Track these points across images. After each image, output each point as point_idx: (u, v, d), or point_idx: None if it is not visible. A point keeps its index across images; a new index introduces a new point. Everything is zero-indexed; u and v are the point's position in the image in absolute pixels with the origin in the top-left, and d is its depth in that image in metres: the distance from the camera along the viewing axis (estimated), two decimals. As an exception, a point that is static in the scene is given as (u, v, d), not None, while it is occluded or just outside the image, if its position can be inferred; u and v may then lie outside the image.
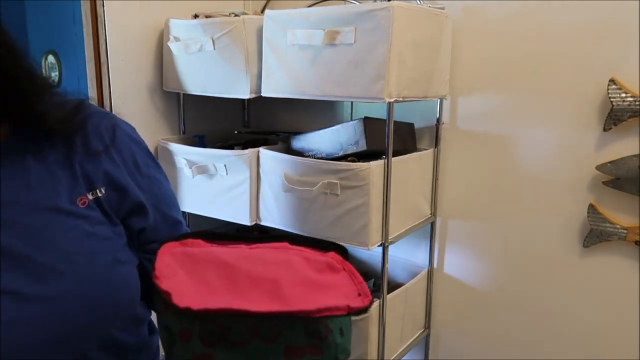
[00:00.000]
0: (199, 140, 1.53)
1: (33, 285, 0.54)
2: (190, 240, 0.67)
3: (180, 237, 0.67)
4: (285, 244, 0.70)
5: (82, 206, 0.61)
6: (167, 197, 0.74)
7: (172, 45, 1.42)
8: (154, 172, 0.72)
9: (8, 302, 0.52)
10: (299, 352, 0.60)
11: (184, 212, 1.59)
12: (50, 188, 0.60)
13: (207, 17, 1.42)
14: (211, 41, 1.34)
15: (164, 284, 0.58)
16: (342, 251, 0.72)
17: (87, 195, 0.62)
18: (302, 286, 0.62)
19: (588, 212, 1.26)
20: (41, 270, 0.55)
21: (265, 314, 0.58)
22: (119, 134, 0.68)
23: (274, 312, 0.58)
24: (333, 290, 0.64)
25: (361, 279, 0.68)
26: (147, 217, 0.69)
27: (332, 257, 0.70)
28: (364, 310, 0.62)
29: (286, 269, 0.64)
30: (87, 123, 0.64)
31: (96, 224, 0.62)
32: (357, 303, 0.62)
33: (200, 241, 0.68)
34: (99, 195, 0.63)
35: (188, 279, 0.60)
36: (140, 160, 0.70)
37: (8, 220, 0.56)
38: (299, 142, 1.41)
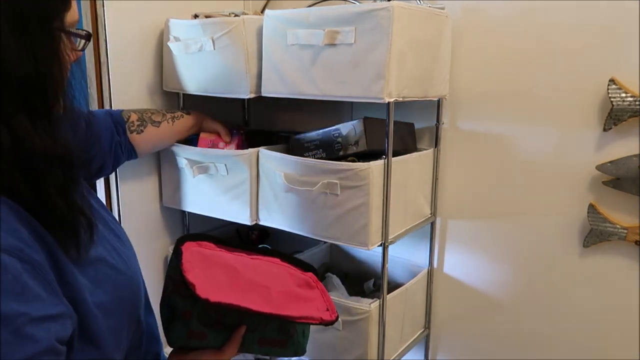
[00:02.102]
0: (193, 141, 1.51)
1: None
2: (204, 243, 0.81)
3: (196, 237, 0.81)
4: (277, 260, 0.87)
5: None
6: None
7: (172, 45, 1.42)
8: None
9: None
10: (269, 343, 0.79)
11: (185, 212, 1.59)
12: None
13: (207, 17, 1.42)
14: (211, 41, 1.34)
15: (190, 276, 0.70)
16: (316, 273, 0.91)
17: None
18: (286, 295, 0.78)
19: (588, 212, 1.26)
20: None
21: (262, 314, 0.72)
22: None
23: (268, 313, 0.73)
24: (309, 303, 0.81)
25: (329, 297, 0.86)
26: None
27: (310, 276, 0.88)
28: (332, 323, 0.81)
29: (275, 280, 0.80)
30: None
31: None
32: (327, 316, 0.80)
33: (211, 244, 0.82)
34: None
35: (202, 275, 0.72)
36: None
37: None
38: (299, 142, 1.41)
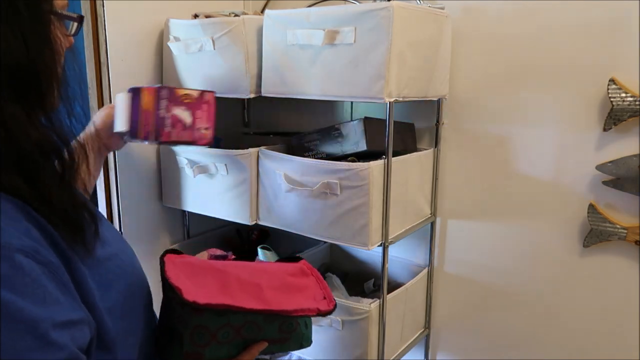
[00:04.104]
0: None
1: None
2: (187, 255, 0.80)
3: (177, 251, 0.80)
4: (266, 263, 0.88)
5: None
6: None
7: (172, 45, 1.42)
8: None
9: None
10: (272, 342, 0.76)
11: (185, 211, 1.59)
12: None
13: (207, 17, 1.42)
14: (211, 41, 1.34)
15: (175, 281, 0.69)
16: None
17: None
18: (279, 289, 0.76)
19: (588, 212, 1.26)
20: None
21: (254, 311, 0.71)
22: None
23: (259, 309, 0.71)
24: (304, 292, 0.79)
25: (326, 284, 0.84)
26: None
27: (303, 263, 0.87)
28: (330, 312, 0.79)
29: (266, 275, 0.78)
30: None
31: None
32: (324, 306, 0.78)
33: (194, 257, 0.82)
34: None
35: (189, 281, 0.70)
36: None
37: None
38: (299, 142, 1.41)
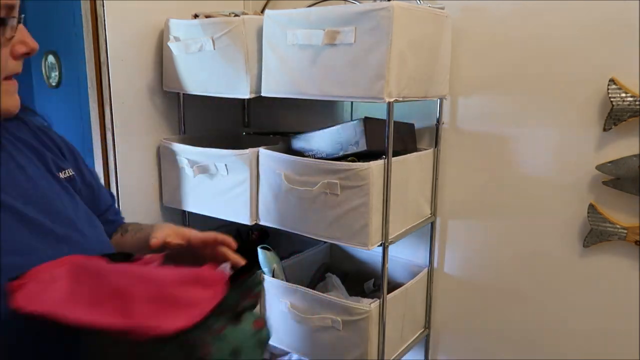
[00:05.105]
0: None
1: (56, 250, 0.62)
2: (96, 257, 0.63)
3: (108, 255, 0.64)
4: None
5: (64, 177, 0.72)
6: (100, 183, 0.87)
7: (172, 45, 1.42)
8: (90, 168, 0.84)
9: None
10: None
11: (185, 211, 1.60)
12: (43, 161, 0.70)
13: (207, 17, 1.42)
14: (211, 41, 1.34)
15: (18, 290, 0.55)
16: (249, 269, 0.65)
17: (63, 172, 0.73)
18: (154, 302, 0.55)
19: (588, 212, 1.26)
20: (62, 240, 0.64)
21: (98, 327, 0.53)
22: (66, 141, 0.79)
23: (108, 326, 0.53)
24: (192, 307, 0.56)
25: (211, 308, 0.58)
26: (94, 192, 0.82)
27: (206, 270, 0.63)
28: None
29: (149, 283, 0.57)
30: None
31: (75, 194, 0.73)
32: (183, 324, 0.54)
33: (103, 260, 0.63)
34: (70, 174, 0.74)
35: (66, 286, 0.57)
36: (82, 158, 0.82)
37: (26, 191, 0.64)
38: (299, 142, 1.41)
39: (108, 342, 0.56)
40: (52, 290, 0.56)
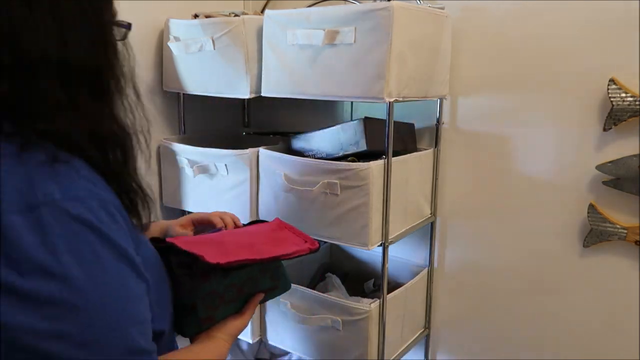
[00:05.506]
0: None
1: None
2: (178, 237, 0.88)
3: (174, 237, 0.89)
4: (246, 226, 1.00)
5: None
6: None
7: (172, 45, 1.42)
8: None
9: None
10: (265, 292, 0.88)
11: (185, 211, 1.59)
12: None
13: (207, 17, 1.42)
14: (211, 41, 1.34)
15: (193, 251, 0.77)
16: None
17: None
18: (269, 243, 0.89)
19: (588, 212, 1.26)
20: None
21: (263, 260, 0.83)
22: None
23: (265, 258, 0.83)
24: (288, 241, 0.93)
25: (300, 231, 0.98)
26: None
27: (275, 221, 1.00)
28: (317, 250, 0.94)
29: (252, 236, 0.91)
30: None
31: None
32: (312, 245, 0.93)
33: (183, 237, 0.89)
34: None
35: (200, 251, 0.78)
36: None
37: None
38: (299, 142, 1.41)
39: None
40: (206, 252, 0.78)
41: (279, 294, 0.93)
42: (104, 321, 0.53)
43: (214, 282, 0.79)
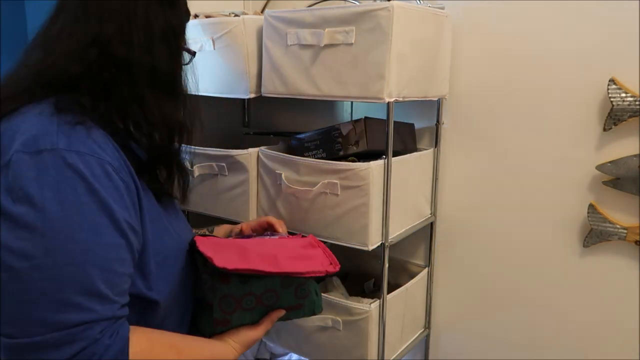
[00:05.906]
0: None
1: None
2: (212, 237, 0.96)
3: (205, 235, 0.95)
4: (280, 237, 1.01)
5: None
6: None
7: (172, 45, 1.42)
8: None
9: None
10: (287, 309, 0.89)
11: (185, 211, 1.59)
12: None
13: (207, 17, 1.42)
14: (211, 41, 1.34)
15: (206, 252, 0.81)
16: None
17: None
18: (293, 258, 0.89)
19: (588, 212, 1.26)
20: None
21: (272, 274, 0.83)
22: None
23: (275, 272, 0.84)
24: (313, 260, 0.92)
25: (331, 252, 0.98)
26: None
27: (311, 238, 1.01)
28: (336, 273, 0.94)
29: (281, 249, 0.91)
30: None
31: None
32: (330, 268, 0.92)
33: (218, 237, 0.95)
34: None
35: (217, 254, 0.82)
36: None
37: None
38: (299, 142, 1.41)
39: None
40: (222, 256, 0.81)
41: (305, 316, 0.92)
42: (64, 252, 0.60)
43: (232, 286, 0.82)
